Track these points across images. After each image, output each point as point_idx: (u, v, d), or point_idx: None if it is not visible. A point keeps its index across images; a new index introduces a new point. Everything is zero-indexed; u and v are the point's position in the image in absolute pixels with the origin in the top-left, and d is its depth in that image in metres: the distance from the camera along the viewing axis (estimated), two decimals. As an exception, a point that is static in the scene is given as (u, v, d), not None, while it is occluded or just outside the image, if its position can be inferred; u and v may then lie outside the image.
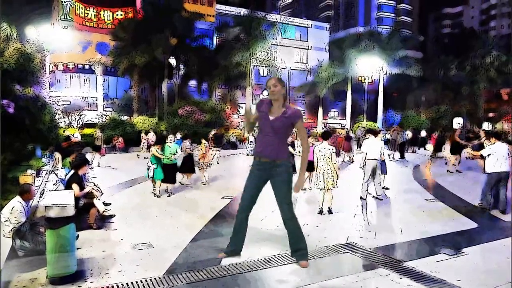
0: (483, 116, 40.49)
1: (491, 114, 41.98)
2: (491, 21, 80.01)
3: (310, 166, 9.40)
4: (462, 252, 5.02)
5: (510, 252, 5.03)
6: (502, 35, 71.34)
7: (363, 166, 8.90)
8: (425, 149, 23.62)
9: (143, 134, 21.29)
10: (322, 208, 7.26)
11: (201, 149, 10.91)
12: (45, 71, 19.58)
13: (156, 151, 8.95)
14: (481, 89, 37.87)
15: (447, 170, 13.79)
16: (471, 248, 5.23)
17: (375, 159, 8.64)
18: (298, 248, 4.57)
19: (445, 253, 4.95)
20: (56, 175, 9.61)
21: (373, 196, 8.85)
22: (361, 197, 8.68)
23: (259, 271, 4.31)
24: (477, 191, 8.32)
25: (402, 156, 18.60)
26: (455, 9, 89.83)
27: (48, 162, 12.50)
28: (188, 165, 10.58)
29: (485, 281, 4.14)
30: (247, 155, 15.38)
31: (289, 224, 4.53)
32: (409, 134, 22.07)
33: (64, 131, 16.28)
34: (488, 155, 7.62)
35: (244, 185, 4.66)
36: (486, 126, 40.36)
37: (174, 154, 9.19)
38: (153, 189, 9.06)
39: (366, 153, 8.74)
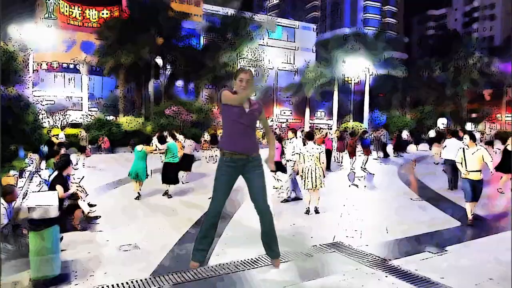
0: (466, 116, 41.27)
1: (474, 115, 42.83)
2: (474, 23, 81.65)
3: (279, 166, 9.02)
4: (446, 250, 5.11)
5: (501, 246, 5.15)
6: (484, 37, 72.91)
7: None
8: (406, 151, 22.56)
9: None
10: (309, 207, 7.30)
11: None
12: (28, 70, 19.21)
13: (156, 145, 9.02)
14: (464, 90, 38.61)
15: (443, 170, 13.88)
16: (455, 246, 5.33)
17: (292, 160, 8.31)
18: (273, 246, 4.40)
19: (429, 251, 5.03)
20: (40, 176, 9.44)
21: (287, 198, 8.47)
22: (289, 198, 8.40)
23: (246, 272, 4.31)
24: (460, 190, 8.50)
25: (386, 155, 18.88)
26: (439, 11, 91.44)
27: (32, 163, 12.27)
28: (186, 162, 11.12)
29: (467, 278, 4.22)
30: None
31: (266, 218, 4.30)
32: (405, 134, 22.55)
33: (48, 132, 16.01)
34: (444, 147, 10.34)
35: (214, 187, 4.31)
36: (469, 126, 41.17)
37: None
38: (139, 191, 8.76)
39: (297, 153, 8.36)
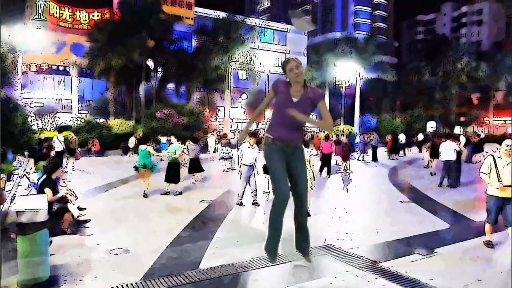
0: (455, 120, 41.84)
1: (462, 118, 43.45)
2: (462, 29, 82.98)
3: None
4: (435, 252, 5.17)
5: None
6: (472, 42, 74.10)
7: (239, 172, 8.54)
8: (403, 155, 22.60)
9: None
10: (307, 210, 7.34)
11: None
12: (17, 72, 18.98)
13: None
14: (452, 93, 39.16)
15: (431, 173, 14.05)
16: (444, 248, 5.39)
17: (250, 165, 8.23)
18: (308, 242, 4.46)
19: (419, 253, 5.09)
20: (28, 179, 9.32)
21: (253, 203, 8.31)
22: (237, 203, 8.31)
23: (237, 274, 4.31)
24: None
25: (375, 159, 19.01)
26: (428, 16, 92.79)
27: (20, 166, 12.11)
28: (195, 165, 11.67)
29: (456, 279, 4.27)
30: (222, 158, 15.24)
31: (303, 210, 4.36)
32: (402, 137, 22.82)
33: (38, 134, 15.81)
34: (440, 152, 11.40)
35: (270, 174, 4.18)
36: (458, 129, 41.72)
37: (175, 153, 9.73)
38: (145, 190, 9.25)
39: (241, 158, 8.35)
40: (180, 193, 9.55)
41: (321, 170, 13.57)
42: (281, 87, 4.08)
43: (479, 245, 5.56)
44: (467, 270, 4.58)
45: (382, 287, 4.03)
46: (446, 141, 11.40)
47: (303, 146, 4.38)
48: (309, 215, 7.30)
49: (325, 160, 13.74)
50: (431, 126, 39.55)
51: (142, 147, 9.51)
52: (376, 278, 4.23)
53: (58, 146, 14.11)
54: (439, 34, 66.32)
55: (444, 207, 8.34)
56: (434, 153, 14.31)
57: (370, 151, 19.70)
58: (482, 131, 37.44)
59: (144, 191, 9.18)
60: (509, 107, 41.38)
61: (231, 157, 14.66)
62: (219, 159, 15.44)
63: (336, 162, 15.96)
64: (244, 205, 8.08)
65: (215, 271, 4.39)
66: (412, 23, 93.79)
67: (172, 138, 10.22)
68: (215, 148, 21.26)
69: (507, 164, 5.28)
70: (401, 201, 9.01)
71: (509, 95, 40.69)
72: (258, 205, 8.17)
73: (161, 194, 9.39)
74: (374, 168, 16.70)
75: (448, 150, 11.06)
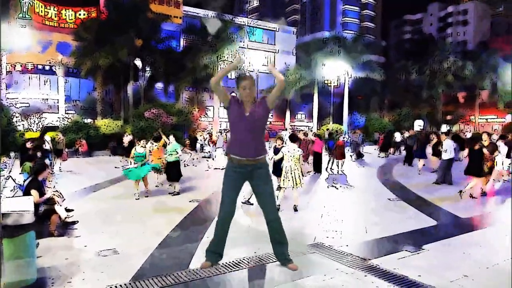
0: (441, 118, 42.43)
1: (449, 117, 44.09)
2: (448, 28, 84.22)
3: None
4: (423, 249, 5.24)
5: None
6: (458, 42, 75.24)
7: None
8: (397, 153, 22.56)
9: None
10: (296, 205, 7.49)
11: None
12: (1, 71, 18.63)
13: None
14: (439, 92, 39.70)
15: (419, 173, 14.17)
16: (431, 245, 5.46)
17: None
18: (285, 252, 4.44)
19: (407, 250, 5.15)
20: (14, 180, 9.16)
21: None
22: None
23: (228, 274, 4.31)
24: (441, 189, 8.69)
25: (360, 156, 19.36)
26: (415, 16, 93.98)
27: (5, 168, 11.89)
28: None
29: (443, 275, 4.33)
30: (204, 157, 15.29)
31: (275, 225, 4.36)
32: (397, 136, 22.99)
33: (22, 135, 15.53)
34: (445, 150, 11.36)
35: (221, 190, 4.35)
36: (444, 128, 42.33)
37: (176, 152, 9.75)
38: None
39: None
40: (173, 193, 9.52)
41: (317, 168, 13.71)
42: (235, 104, 4.19)
43: (466, 241, 5.65)
44: (454, 266, 4.66)
45: (371, 284, 4.07)
46: (446, 139, 11.62)
47: (266, 163, 4.35)
48: (296, 210, 7.47)
49: (317, 159, 13.86)
50: (418, 124, 40.03)
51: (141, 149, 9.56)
52: (365, 275, 4.27)
53: (45, 146, 13.90)
54: (426, 33, 67.29)
55: (432, 204, 8.45)
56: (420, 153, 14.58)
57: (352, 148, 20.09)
58: (468, 129, 38.16)
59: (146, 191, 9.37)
60: (494, 105, 42.13)
61: (210, 156, 15.00)
62: (203, 157, 15.61)
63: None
64: (252, 204, 7.94)
65: (205, 271, 4.38)
66: (399, 22, 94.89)
67: (171, 138, 10.22)
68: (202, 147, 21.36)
69: None
70: (389, 199, 9.10)
71: (494, 93, 41.40)
72: (252, 204, 8.02)
73: (171, 195, 9.45)
74: (363, 166, 16.83)
75: (451, 148, 11.31)
